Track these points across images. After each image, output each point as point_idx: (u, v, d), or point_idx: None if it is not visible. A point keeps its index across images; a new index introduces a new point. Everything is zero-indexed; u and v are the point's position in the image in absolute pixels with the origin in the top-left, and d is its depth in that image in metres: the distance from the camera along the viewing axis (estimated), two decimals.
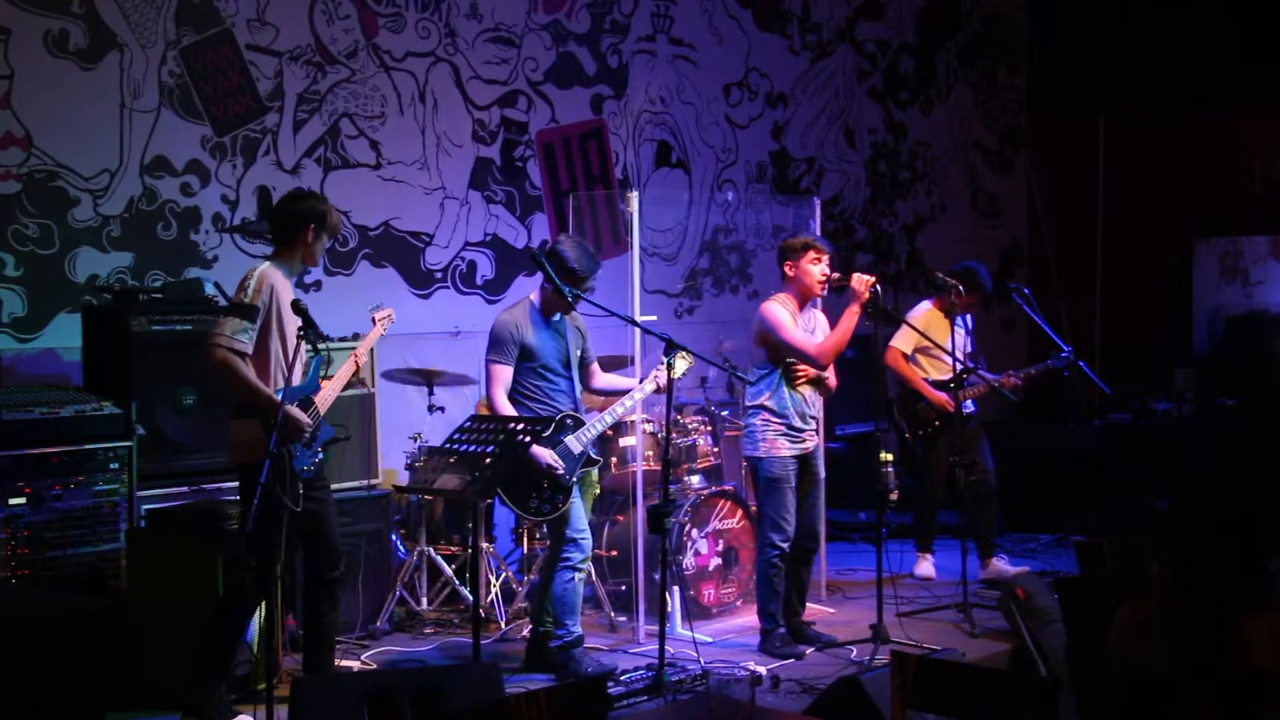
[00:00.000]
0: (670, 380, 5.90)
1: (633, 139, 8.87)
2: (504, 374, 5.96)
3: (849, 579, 7.77)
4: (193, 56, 6.83)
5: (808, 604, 6.69)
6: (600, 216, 8.57)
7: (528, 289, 7.57)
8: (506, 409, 5.92)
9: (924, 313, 7.64)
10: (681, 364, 6.02)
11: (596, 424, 6.01)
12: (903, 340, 7.66)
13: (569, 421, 5.92)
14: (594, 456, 6.14)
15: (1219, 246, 10.46)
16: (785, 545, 6.31)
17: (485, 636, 6.01)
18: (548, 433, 5.73)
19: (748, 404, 6.46)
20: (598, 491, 6.55)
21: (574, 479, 5.89)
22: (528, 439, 5.27)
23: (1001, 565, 7.72)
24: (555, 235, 8.35)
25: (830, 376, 6.42)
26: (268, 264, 5.24)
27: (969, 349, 7.67)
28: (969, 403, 7.71)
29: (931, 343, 7.28)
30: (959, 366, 7.21)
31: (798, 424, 6.31)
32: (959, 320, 7.56)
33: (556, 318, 6.10)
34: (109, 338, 5.94)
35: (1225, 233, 10.45)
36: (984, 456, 7.74)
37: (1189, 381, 9.23)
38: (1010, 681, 3.57)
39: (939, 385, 7.64)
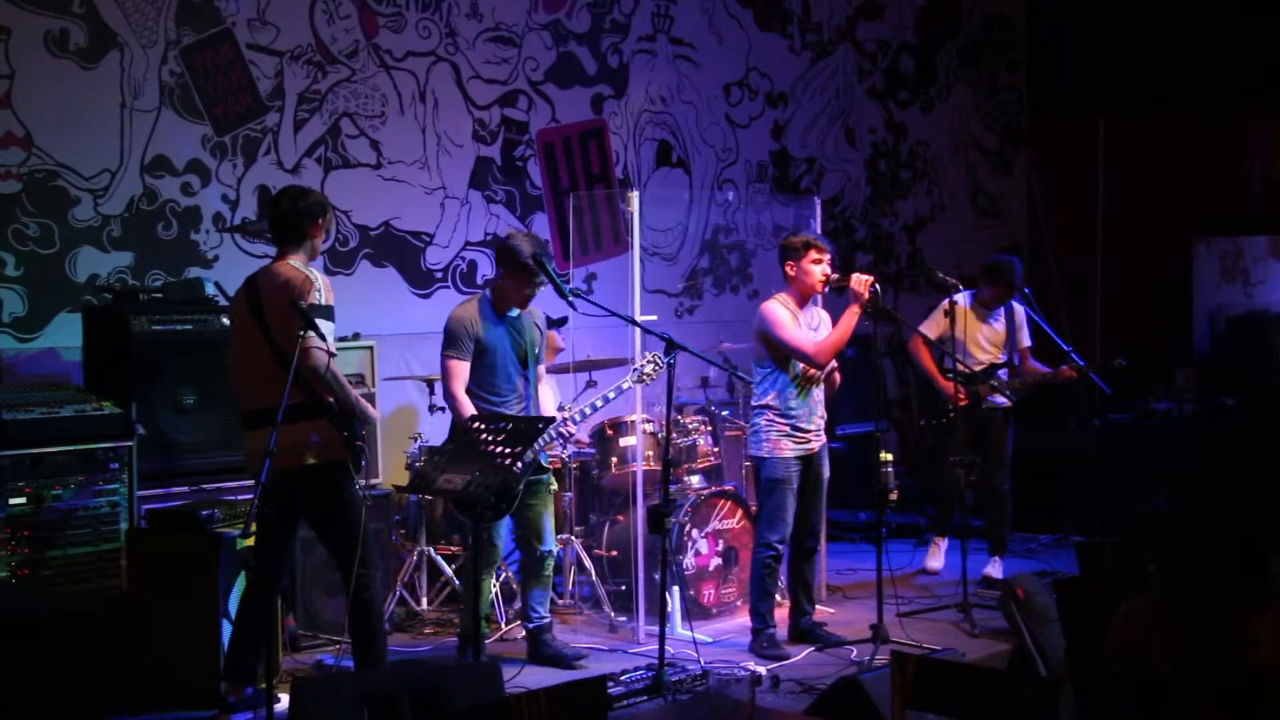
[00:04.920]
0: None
1: (633, 139, 8.87)
2: (460, 369, 5.94)
3: (849, 579, 7.76)
4: (193, 56, 6.83)
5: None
6: (600, 216, 8.57)
7: None
8: (465, 404, 5.91)
9: (964, 301, 7.57)
10: (650, 367, 6.26)
11: (551, 431, 5.93)
12: (928, 326, 7.58)
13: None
14: (543, 464, 6.09)
15: (1219, 246, 10.45)
16: (781, 547, 6.31)
17: (485, 636, 6.01)
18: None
19: (753, 404, 6.45)
20: (555, 487, 6.39)
21: (520, 485, 5.78)
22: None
23: (990, 570, 7.67)
24: (555, 234, 8.35)
25: (835, 372, 6.43)
26: (301, 263, 5.14)
27: (1026, 343, 7.70)
28: (998, 397, 7.59)
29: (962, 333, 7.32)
30: (974, 363, 7.29)
31: (803, 425, 6.30)
32: (997, 314, 7.65)
33: (514, 313, 6.08)
34: (109, 338, 5.93)
35: (1225, 233, 10.44)
36: (996, 456, 7.65)
37: (1189, 381, 9.21)
38: (1010, 681, 3.58)
39: (965, 377, 7.43)
